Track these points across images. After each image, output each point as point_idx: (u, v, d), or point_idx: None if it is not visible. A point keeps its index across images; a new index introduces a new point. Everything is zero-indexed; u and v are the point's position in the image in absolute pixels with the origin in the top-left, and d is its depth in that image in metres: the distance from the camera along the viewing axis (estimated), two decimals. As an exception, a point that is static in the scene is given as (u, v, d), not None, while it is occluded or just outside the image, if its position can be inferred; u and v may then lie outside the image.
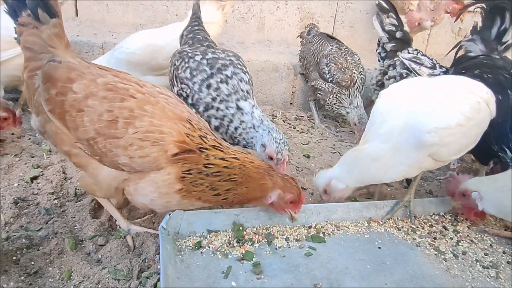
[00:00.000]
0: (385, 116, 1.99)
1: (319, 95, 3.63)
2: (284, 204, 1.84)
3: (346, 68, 3.44)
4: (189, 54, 2.20)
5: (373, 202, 2.26)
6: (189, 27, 2.63)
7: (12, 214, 1.93)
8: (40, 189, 2.20)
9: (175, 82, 2.18)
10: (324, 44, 3.66)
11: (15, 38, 1.78)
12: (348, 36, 4.68)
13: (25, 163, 2.39)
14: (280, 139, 1.93)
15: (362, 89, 3.49)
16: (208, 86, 2.07)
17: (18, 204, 2.02)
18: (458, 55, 2.90)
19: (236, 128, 2.04)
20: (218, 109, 2.05)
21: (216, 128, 2.10)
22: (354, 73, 3.43)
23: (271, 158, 1.93)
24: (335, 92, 3.49)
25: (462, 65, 2.71)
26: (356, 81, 3.43)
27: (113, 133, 1.56)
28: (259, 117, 2.01)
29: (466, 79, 2.23)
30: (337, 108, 3.49)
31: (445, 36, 5.01)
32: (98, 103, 1.58)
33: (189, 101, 2.12)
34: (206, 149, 1.67)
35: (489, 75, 2.44)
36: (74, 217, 2.06)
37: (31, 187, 2.21)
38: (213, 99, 2.06)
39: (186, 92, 2.10)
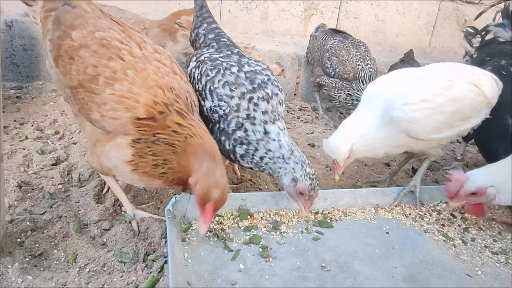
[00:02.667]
0: (369, 100, 2.14)
1: (324, 91, 3.58)
2: (196, 197, 1.56)
3: (347, 60, 3.37)
4: (224, 65, 1.94)
5: (380, 188, 2.24)
6: (205, 24, 2.33)
7: (16, 197, 1.91)
8: (44, 174, 2.17)
9: (209, 96, 1.89)
10: (327, 38, 3.62)
11: None
12: (353, 28, 4.64)
13: (28, 149, 2.37)
14: (313, 175, 1.76)
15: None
16: (250, 100, 1.83)
17: (22, 188, 1.99)
18: (486, 39, 2.77)
19: (261, 158, 1.82)
20: (246, 131, 1.81)
21: (242, 157, 1.86)
22: (359, 65, 3.34)
23: (301, 194, 1.77)
24: (339, 87, 3.41)
25: (489, 51, 2.58)
26: (359, 73, 3.34)
27: (92, 88, 1.60)
28: (288, 146, 1.79)
29: (453, 64, 2.29)
30: (352, 105, 3.38)
31: (450, 28, 4.98)
32: (88, 56, 1.62)
33: (223, 121, 1.86)
34: (167, 116, 1.59)
35: None
36: (78, 202, 2.04)
37: (35, 172, 2.18)
38: (247, 117, 1.82)
39: (223, 110, 1.83)
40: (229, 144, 1.85)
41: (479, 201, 1.93)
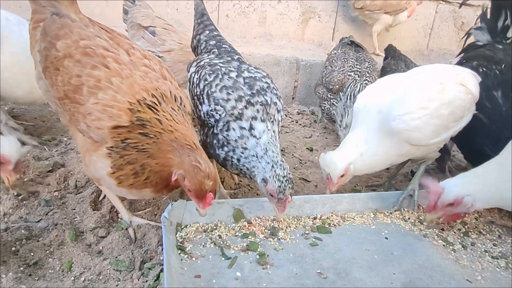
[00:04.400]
0: (361, 113, 2.14)
1: (320, 102, 3.43)
2: (187, 191, 1.60)
3: (337, 71, 3.10)
4: (223, 70, 1.93)
5: (378, 193, 2.23)
6: (207, 31, 2.33)
7: (11, 205, 1.89)
8: (40, 181, 2.16)
9: (206, 100, 1.87)
10: (333, 49, 3.49)
11: None
12: (350, 31, 4.64)
13: (25, 155, 2.34)
14: (284, 177, 1.66)
15: None
16: (248, 103, 1.80)
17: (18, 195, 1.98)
18: (467, 43, 2.84)
19: (238, 160, 1.78)
20: (228, 129, 1.80)
21: (224, 160, 1.85)
22: (351, 77, 3.05)
23: (271, 195, 1.70)
24: (325, 98, 3.18)
25: (467, 54, 2.66)
26: (351, 87, 2.99)
27: (77, 98, 1.57)
28: (264, 145, 1.73)
29: (437, 66, 2.34)
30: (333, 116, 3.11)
31: (447, 31, 4.99)
32: (72, 65, 1.59)
33: (219, 125, 1.83)
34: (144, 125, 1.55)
35: (484, 69, 2.39)
36: (74, 209, 2.02)
37: (31, 179, 2.16)
38: (238, 116, 1.79)
39: (220, 114, 1.82)
40: (217, 148, 1.84)
41: (457, 211, 1.87)
